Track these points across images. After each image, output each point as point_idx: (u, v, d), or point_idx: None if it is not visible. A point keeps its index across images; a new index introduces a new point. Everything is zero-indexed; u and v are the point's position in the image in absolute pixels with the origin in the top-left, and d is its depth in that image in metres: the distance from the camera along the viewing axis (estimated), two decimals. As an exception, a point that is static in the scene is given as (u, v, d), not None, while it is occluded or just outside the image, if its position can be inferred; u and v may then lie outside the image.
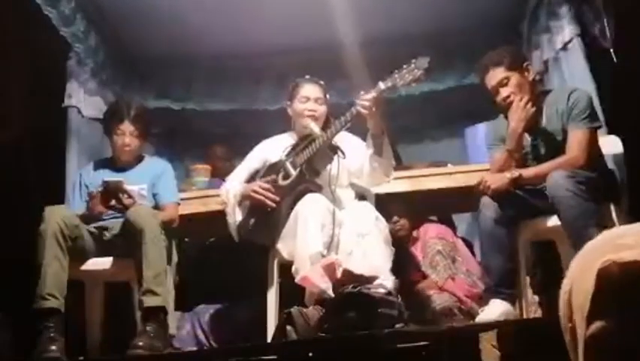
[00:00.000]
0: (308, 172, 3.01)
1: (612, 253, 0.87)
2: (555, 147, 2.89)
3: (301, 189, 2.97)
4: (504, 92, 2.95)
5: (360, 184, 3.17)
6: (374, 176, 3.04)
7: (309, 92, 3.19)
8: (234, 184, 3.21)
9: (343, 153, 2.96)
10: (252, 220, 3.12)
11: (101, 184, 3.14)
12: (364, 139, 3.05)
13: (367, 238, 2.82)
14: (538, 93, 3.01)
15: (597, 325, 0.86)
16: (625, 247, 0.87)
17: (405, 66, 2.82)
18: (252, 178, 3.21)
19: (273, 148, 3.25)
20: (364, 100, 2.86)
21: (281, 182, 3.08)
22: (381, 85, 2.86)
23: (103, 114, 3.63)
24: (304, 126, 3.11)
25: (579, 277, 0.92)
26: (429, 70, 2.81)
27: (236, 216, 3.14)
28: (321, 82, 3.25)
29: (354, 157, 3.05)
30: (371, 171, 3.02)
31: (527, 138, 2.96)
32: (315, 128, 3.04)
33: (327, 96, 3.24)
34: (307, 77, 3.26)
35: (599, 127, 2.94)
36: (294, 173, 3.04)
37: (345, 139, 3.09)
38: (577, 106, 2.87)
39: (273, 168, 3.16)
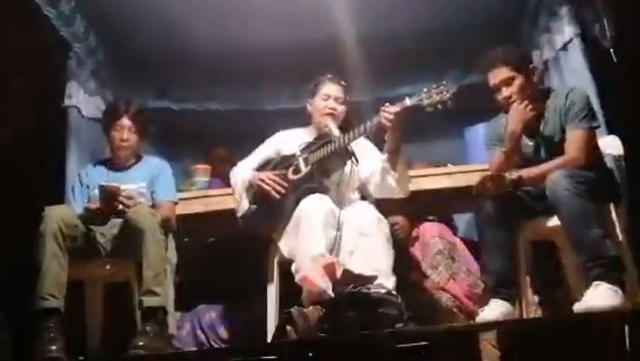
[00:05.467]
0: (318, 172, 3.01)
1: None
2: (555, 147, 2.89)
3: (307, 188, 2.97)
4: (506, 91, 2.93)
5: (368, 190, 3.17)
6: (385, 189, 3.04)
7: (331, 90, 3.22)
8: (245, 169, 3.22)
9: (357, 159, 2.96)
10: (255, 208, 3.12)
11: (97, 188, 3.14)
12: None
13: (369, 238, 2.83)
14: (538, 95, 3.00)
15: None
16: None
17: (434, 86, 2.80)
18: (263, 167, 3.21)
19: (289, 140, 3.26)
20: (388, 112, 2.84)
21: (290, 176, 3.08)
22: (407, 101, 2.84)
23: (102, 113, 3.63)
24: (324, 125, 3.11)
25: None
26: (456, 96, 2.77)
27: (242, 203, 3.14)
28: (343, 82, 3.27)
29: (366, 165, 3.06)
30: (381, 183, 3.03)
31: (528, 143, 2.95)
32: (335, 130, 3.04)
33: (347, 97, 3.25)
34: (329, 75, 3.27)
35: (597, 127, 2.93)
36: (304, 170, 3.05)
37: (360, 144, 3.09)
38: (574, 106, 2.87)
39: (286, 161, 3.16)
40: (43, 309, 2.82)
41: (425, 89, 2.82)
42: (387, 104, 2.89)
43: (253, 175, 3.15)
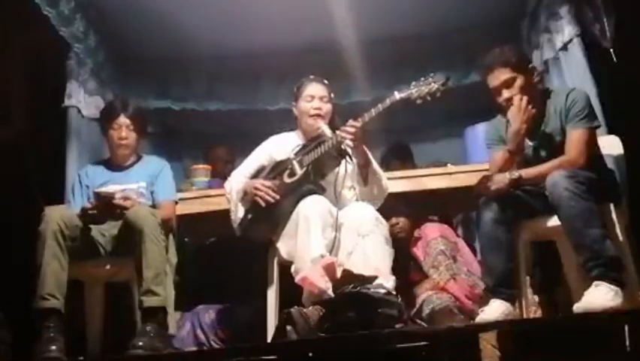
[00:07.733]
0: (314, 173, 3.01)
1: None
2: (555, 147, 2.89)
3: (304, 190, 2.97)
4: (507, 93, 2.91)
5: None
6: (365, 196, 3.09)
7: (314, 90, 3.22)
8: (238, 180, 3.22)
9: (351, 157, 2.97)
10: (252, 216, 3.12)
11: (92, 194, 3.15)
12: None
13: (368, 238, 2.82)
14: (539, 96, 3.00)
15: None
16: None
17: (422, 79, 2.83)
18: (257, 174, 3.21)
19: (280, 146, 3.26)
20: (346, 131, 2.88)
21: (286, 179, 3.08)
22: (397, 95, 2.86)
23: (99, 113, 3.63)
24: (317, 127, 3.12)
25: None
26: (445, 86, 2.79)
27: (238, 213, 3.15)
28: (326, 81, 3.27)
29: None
30: (361, 191, 3.08)
31: (528, 143, 2.95)
32: (327, 130, 3.05)
33: (332, 95, 3.26)
34: (311, 76, 3.28)
35: (598, 127, 2.93)
36: (300, 172, 3.04)
37: None
38: (575, 106, 2.86)
39: (280, 166, 3.16)
40: (43, 309, 2.82)
41: (413, 83, 2.84)
42: (350, 121, 2.91)
43: (246, 183, 3.15)
